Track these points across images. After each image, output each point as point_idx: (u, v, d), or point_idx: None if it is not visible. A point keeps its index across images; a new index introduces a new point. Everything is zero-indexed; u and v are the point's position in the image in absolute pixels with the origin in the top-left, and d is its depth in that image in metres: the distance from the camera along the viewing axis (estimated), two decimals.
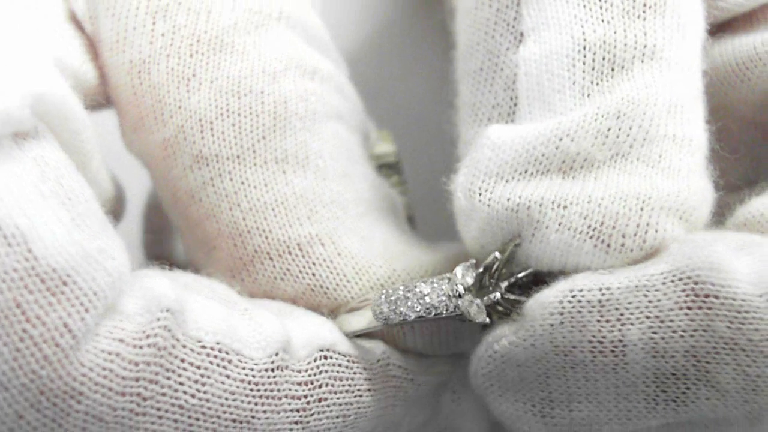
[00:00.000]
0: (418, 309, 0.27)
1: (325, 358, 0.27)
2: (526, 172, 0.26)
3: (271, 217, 0.29)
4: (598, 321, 0.25)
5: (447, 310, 0.27)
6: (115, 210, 0.31)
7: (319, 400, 0.26)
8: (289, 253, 0.29)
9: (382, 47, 0.44)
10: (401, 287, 0.28)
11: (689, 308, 0.24)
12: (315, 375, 0.27)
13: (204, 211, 0.29)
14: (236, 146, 0.29)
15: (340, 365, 0.27)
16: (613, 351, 0.25)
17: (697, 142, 0.27)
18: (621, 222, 0.26)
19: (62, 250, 0.22)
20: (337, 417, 0.27)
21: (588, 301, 0.25)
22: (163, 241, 0.37)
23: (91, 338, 0.23)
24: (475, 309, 0.27)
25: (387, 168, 0.39)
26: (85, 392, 0.22)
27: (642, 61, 0.27)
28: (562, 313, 0.25)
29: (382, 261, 0.29)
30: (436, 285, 0.27)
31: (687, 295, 0.24)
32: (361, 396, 0.27)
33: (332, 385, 0.27)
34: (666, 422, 0.26)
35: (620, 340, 0.25)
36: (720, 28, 0.31)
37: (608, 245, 0.26)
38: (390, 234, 0.30)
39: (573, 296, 0.25)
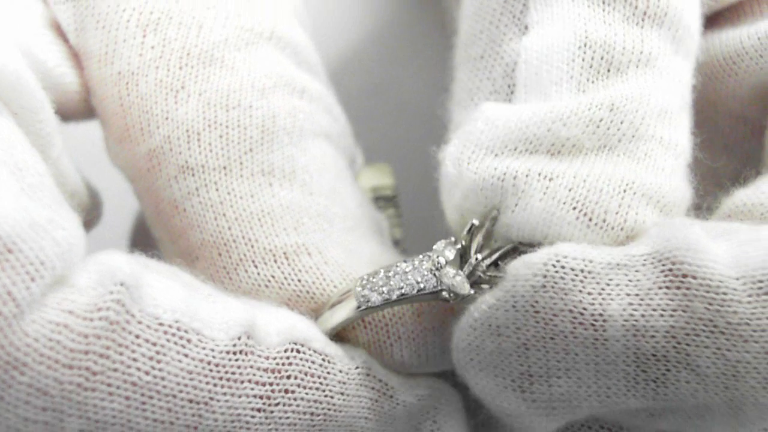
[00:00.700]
0: (401, 287, 0.27)
1: (298, 351, 0.26)
2: (515, 149, 0.27)
3: (257, 227, 0.28)
4: (580, 291, 0.25)
5: (429, 284, 0.27)
6: (88, 216, 0.31)
7: (285, 391, 0.26)
8: (275, 261, 0.28)
9: (380, 48, 0.44)
10: (381, 270, 0.27)
11: (668, 288, 0.24)
12: (284, 365, 0.26)
13: (188, 221, 0.29)
14: (223, 157, 0.29)
15: (312, 362, 0.26)
16: (593, 324, 0.25)
17: (681, 147, 0.28)
18: (604, 199, 0.26)
19: (8, 217, 0.22)
20: (304, 413, 0.26)
21: (572, 269, 0.25)
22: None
23: (37, 308, 0.22)
24: (459, 280, 0.26)
25: (383, 201, 0.39)
26: (29, 363, 0.22)
27: (637, 67, 0.27)
28: (545, 276, 0.25)
29: (369, 269, 0.29)
30: (416, 263, 0.27)
31: (666, 276, 0.24)
32: (332, 398, 0.27)
33: (301, 379, 0.26)
34: (647, 405, 0.26)
35: (600, 314, 0.24)
36: (707, 22, 0.31)
37: (590, 219, 0.26)
38: (377, 251, 0.30)
39: (557, 261, 0.25)
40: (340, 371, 0.27)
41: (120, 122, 0.29)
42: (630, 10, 0.28)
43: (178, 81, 0.29)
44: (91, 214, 0.31)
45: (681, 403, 0.25)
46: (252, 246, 0.28)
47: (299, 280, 0.28)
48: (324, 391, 0.26)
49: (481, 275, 0.27)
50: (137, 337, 0.23)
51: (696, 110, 0.30)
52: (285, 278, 0.28)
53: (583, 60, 0.27)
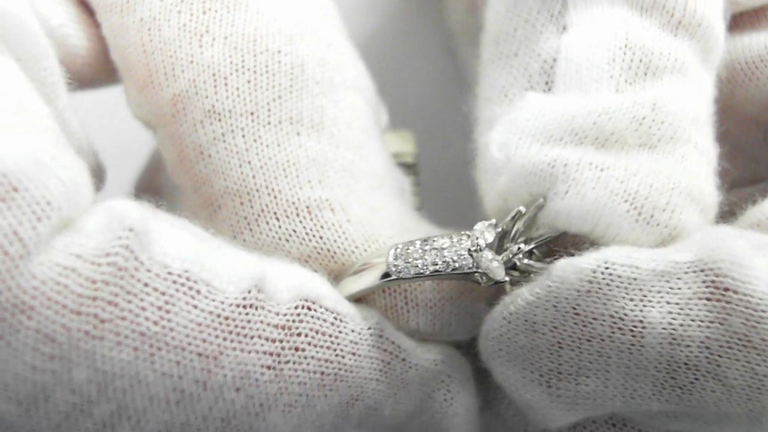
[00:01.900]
0: (435, 263, 0.26)
1: (309, 309, 0.26)
2: (561, 139, 0.27)
3: (282, 177, 0.28)
4: (623, 297, 0.25)
5: (466, 265, 0.26)
6: (93, 179, 0.30)
7: (296, 349, 0.25)
8: (297, 214, 0.28)
9: (380, 47, 0.44)
10: (418, 241, 0.27)
11: (708, 299, 0.25)
12: (294, 322, 0.25)
13: (212, 167, 0.28)
14: (251, 103, 0.28)
15: (324, 320, 0.26)
16: (632, 330, 0.25)
17: (711, 156, 0.28)
18: (653, 195, 0.26)
19: (12, 155, 0.21)
20: (314, 372, 0.25)
21: (618, 276, 0.25)
22: None
23: (44, 250, 0.21)
24: (495, 265, 0.26)
25: (404, 168, 0.38)
26: (36, 307, 0.21)
27: (671, 73, 0.28)
28: (591, 282, 0.25)
29: (392, 232, 0.28)
30: (455, 240, 0.26)
31: (707, 287, 0.25)
32: (343, 357, 0.26)
33: (312, 337, 0.25)
34: (668, 409, 0.26)
35: (640, 321, 0.25)
36: (729, 24, 0.31)
37: (639, 213, 0.26)
38: (401, 210, 0.30)
39: (606, 267, 0.25)
40: (352, 331, 0.26)
41: (143, 69, 0.29)
42: (666, 18, 0.28)
43: (202, 25, 0.28)
44: (95, 177, 0.30)
45: (702, 410, 0.26)
46: (275, 197, 0.28)
47: (321, 237, 0.27)
48: (335, 350, 0.26)
49: (518, 263, 0.26)
50: (146, 285, 0.23)
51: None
52: (306, 233, 0.28)
53: (623, 61, 0.27)
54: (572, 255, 0.26)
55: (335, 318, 0.26)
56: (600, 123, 0.27)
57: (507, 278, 0.26)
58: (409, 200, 0.32)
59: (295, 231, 0.27)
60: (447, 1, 0.42)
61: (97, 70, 0.30)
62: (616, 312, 0.25)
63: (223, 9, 0.28)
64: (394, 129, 0.39)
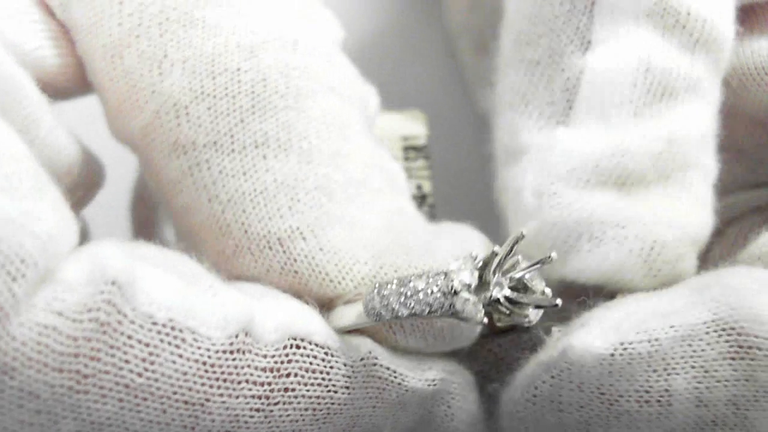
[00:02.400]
0: (411, 306, 0.25)
1: (297, 347, 0.25)
2: (588, 181, 0.27)
3: (250, 210, 0.27)
4: (646, 371, 0.25)
5: (442, 308, 0.25)
6: (89, 188, 0.30)
7: (285, 390, 0.25)
8: (270, 248, 0.27)
9: (381, 46, 0.42)
10: (395, 281, 0.26)
11: (733, 359, 0.25)
12: (283, 363, 0.25)
13: (186, 201, 0.27)
14: (213, 132, 0.27)
15: (314, 357, 0.25)
16: (659, 401, 0.25)
17: (713, 172, 0.29)
18: (665, 250, 0.27)
19: None
20: (306, 409, 0.25)
21: (638, 353, 0.25)
22: (151, 233, 0.35)
23: (25, 309, 0.21)
24: (472, 308, 0.25)
25: (414, 151, 0.37)
26: (17, 368, 0.21)
27: (686, 91, 0.28)
28: (612, 364, 0.25)
29: (368, 255, 0.27)
30: (431, 280, 0.25)
31: (731, 346, 0.25)
32: (336, 392, 0.26)
33: (302, 376, 0.25)
34: None
35: (666, 390, 0.25)
36: (739, 24, 0.31)
37: (650, 268, 0.27)
38: (384, 217, 0.28)
39: (624, 349, 0.25)
40: (344, 365, 0.26)
41: (113, 97, 0.28)
42: (686, 38, 0.28)
43: (160, 50, 0.27)
44: (91, 183, 0.30)
45: None
46: (246, 231, 0.27)
47: (296, 272, 0.27)
48: (327, 386, 0.25)
49: (501, 299, 0.25)
50: (129, 337, 0.22)
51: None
52: (282, 268, 0.27)
53: (644, 85, 0.28)
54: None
55: (326, 353, 0.26)
56: (623, 164, 0.28)
57: (485, 320, 0.25)
58: (404, 187, 0.30)
59: (271, 266, 0.27)
60: (447, 1, 0.41)
61: (81, 85, 0.29)
62: (641, 386, 0.25)
63: (179, 29, 0.27)
64: (404, 109, 0.38)
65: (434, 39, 0.38)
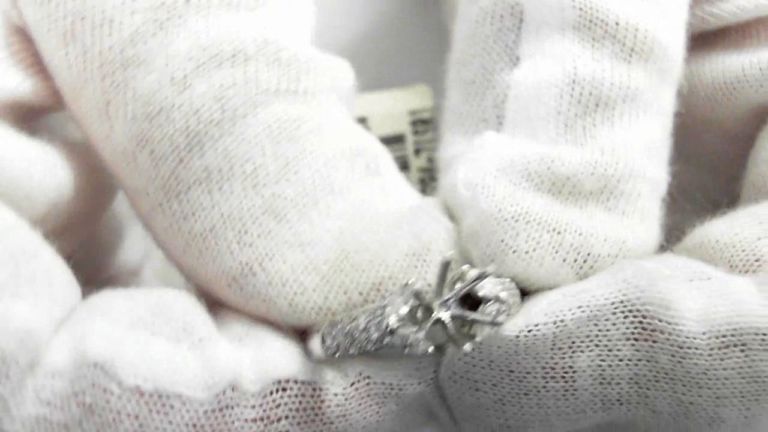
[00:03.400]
0: (358, 345, 0.25)
1: (283, 389, 0.25)
2: (519, 183, 0.27)
3: (204, 250, 0.27)
4: (551, 349, 0.25)
5: (384, 346, 0.25)
6: (98, 200, 0.31)
7: None
8: (229, 286, 0.27)
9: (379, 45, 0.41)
10: (345, 318, 0.26)
11: (636, 340, 0.25)
12: (272, 409, 0.25)
13: (157, 239, 0.28)
14: (158, 177, 0.27)
15: (302, 395, 0.25)
16: (563, 377, 0.25)
17: (662, 185, 0.28)
18: (599, 263, 0.27)
19: None
20: None
21: (543, 334, 0.25)
22: None
23: (14, 405, 0.23)
24: (414, 341, 0.25)
25: (422, 124, 0.38)
26: None
27: (624, 102, 0.28)
28: (517, 345, 0.25)
29: (316, 280, 0.27)
30: (370, 319, 0.25)
31: (635, 328, 0.25)
32: (332, 423, 0.26)
33: (293, 417, 0.25)
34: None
35: (570, 367, 0.25)
36: (711, 42, 0.31)
37: (581, 277, 0.27)
38: (339, 225, 0.27)
39: (529, 331, 0.25)
40: (335, 395, 0.26)
41: (84, 133, 0.28)
42: (618, 47, 0.28)
43: (103, 97, 0.27)
44: (101, 198, 0.31)
45: (634, 429, 0.27)
46: (206, 272, 0.27)
47: (255, 306, 0.27)
48: (322, 420, 0.26)
49: (446, 320, 0.25)
50: (119, 413, 0.24)
51: (683, 129, 0.30)
52: (243, 305, 0.27)
53: (571, 96, 0.28)
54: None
55: (313, 389, 0.26)
56: (555, 169, 0.27)
57: (430, 349, 0.25)
58: (377, 166, 0.29)
59: (236, 301, 0.27)
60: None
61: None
62: (547, 363, 0.25)
63: (117, 70, 0.26)
64: (410, 84, 0.38)
65: (436, 12, 0.37)
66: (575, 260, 0.27)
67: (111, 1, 0.26)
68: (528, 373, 0.25)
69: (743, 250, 0.27)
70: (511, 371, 0.26)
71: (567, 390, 0.25)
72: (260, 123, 0.27)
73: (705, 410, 0.25)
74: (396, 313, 0.24)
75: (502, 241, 0.27)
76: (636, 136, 0.28)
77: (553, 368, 0.25)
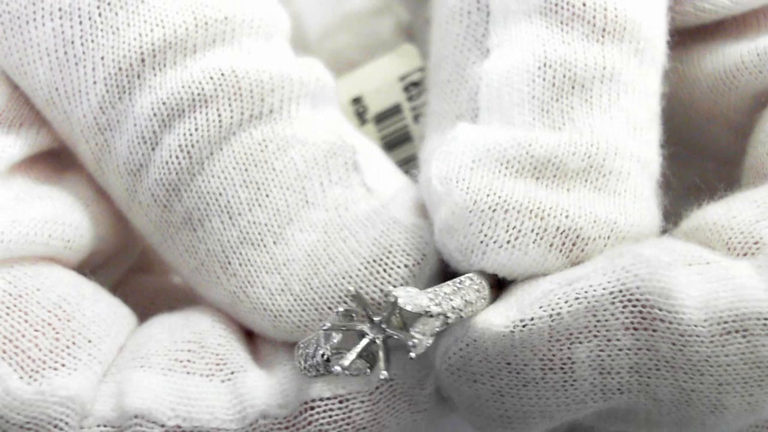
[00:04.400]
0: (315, 369, 0.26)
1: (312, 408, 0.27)
2: (498, 171, 0.27)
3: (201, 282, 0.29)
4: (548, 341, 0.25)
5: (332, 371, 0.25)
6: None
7: None
8: (227, 311, 0.29)
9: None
10: (302, 345, 0.27)
11: (635, 329, 0.25)
12: (303, 427, 0.27)
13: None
14: (151, 222, 0.29)
15: (330, 409, 0.27)
16: (562, 368, 0.25)
17: (653, 166, 0.28)
18: (590, 246, 0.26)
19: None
20: None
21: (539, 328, 0.25)
22: None
23: None
24: (353, 369, 0.25)
25: (415, 87, 0.37)
26: None
27: (601, 82, 0.27)
28: (512, 340, 0.25)
29: (291, 301, 0.28)
30: (315, 347, 0.26)
31: (635, 317, 0.25)
32: (364, 429, 0.27)
33: (325, 431, 0.27)
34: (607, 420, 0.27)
35: (569, 358, 0.25)
36: (711, 33, 0.32)
37: (572, 263, 0.27)
38: (311, 242, 0.28)
39: (524, 326, 0.25)
40: (362, 402, 0.27)
41: None
42: (589, 29, 0.28)
43: (93, 155, 0.29)
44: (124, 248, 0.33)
45: (634, 417, 0.27)
46: (210, 298, 0.29)
47: (253, 328, 0.29)
48: (354, 428, 0.27)
49: (380, 340, 0.25)
50: None
51: (687, 122, 0.31)
52: (247, 326, 0.29)
53: (544, 80, 0.27)
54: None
55: (340, 401, 0.27)
56: (531, 152, 0.27)
57: (368, 371, 0.26)
58: (357, 160, 0.30)
59: (241, 321, 0.29)
60: None
61: None
62: (544, 355, 0.25)
63: (97, 134, 0.28)
64: (395, 48, 0.37)
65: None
66: (563, 244, 0.26)
67: (77, 72, 0.28)
68: (526, 365, 0.25)
69: (741, 233, 0.27)
70: (509, 363, 0.25)
71: (566, 381, 0.25)
72: (226, 157, 0.28)
73: (707, 397, 0.25)
74: (324, 348, 0.25)
75: (481, 232, 0.26)
76: (617, 115, 0.27)
77: (551, 360, 0.25)
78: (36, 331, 0.27)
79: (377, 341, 0.24)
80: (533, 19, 0.28)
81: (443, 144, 0.28)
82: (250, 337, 0.29)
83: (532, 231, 0.26)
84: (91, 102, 0.28)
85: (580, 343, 0.25)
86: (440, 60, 0.30)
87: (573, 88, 0.27)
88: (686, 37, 0.32)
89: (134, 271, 0.34)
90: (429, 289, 0.25)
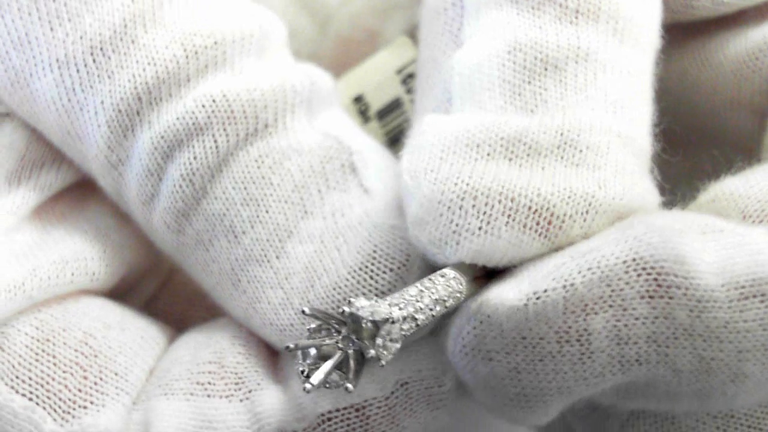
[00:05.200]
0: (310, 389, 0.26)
1: (328, 419, 0.27)
2: (468, 156, 0.26)
3: (219, 297, 0.30)
4: (563, 314, 0.25)
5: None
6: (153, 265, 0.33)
7: None
8: (246, 325, 0.30)
9: None
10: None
11: (651, 297, 0.25)
12: None
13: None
14: (169, 246, 0.30)
15: (348, 418, 0.28)
16: (578, 340, 0.25)
17: (640, 143, 0.28)
18: (567, 223, 0.26)
19: None
20: None
21: (553, 300, 0.25)
22: None
23: None
24: (331, 381, 0.24)
25: (411, 79, 0.36)
26: None
27: (576, 62, 0.27)
28: (526, 313, 0.25)
29: (292, 316, 0.29)
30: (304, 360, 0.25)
31: (650, 285, 0.25)
32: (384, 431, 0.28)
33: None
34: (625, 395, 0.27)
35: (585, 329, 0.25)
36: (734, 19, 0.32)
37: (552, 242, 0.26)
38: (318, 234, 0.29)
39: (537, 298, 0.25)
40: (378, 407, 0.28)
41: None
42: (561, 11, 0.28)
43: (111, 188, 0.30)
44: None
45: (654, 391, 0.26)
46: (231, 314, 0.30)
47: (267, 342, 0.30)
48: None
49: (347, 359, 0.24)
50: None
51: (711, 112, 0.32)
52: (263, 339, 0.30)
53: (514, 63, 0.27)
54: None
55: (356, 410, 0.28)
56: (502, 133, 0.26)
57: (351, 387, 0.25)
58: (355, 162, 0.30)
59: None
60: None
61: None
62: (560, 328, 0.25)
63: (112, 171, 0.29)
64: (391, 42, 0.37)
65: None
66: (537, 224, 0.26)
67: (82, 117, 0.29)
68: (541, 338, 0.25)
69: (758, 201, 0.27)
70: (524, 338, 0.25)
71: (583, 354, 0.25)
72: (226, 178, 0.29)
73: (727, 365, 0.25)
74: (304, 362, 0.25)
75: (452, 222, 0.26)
76: (594, 94, 0.27)
77: (567, 332, 0.25)
78: (64, 372, 0.28)
79: (349, 353, 0.24)
80: (503, 7, 0.28)
81: (412, 137, 0.28)
82: (270, 349, 0.30)
83: (503, 214, 0.26)
84: (99, 143, 0.29)
85: (596, 314, 0.25)
86: (423, 59, 0.30)
87: (546, 69, 0.27)
88: (710, 24, 0.32)
89: (175, 272, 0.35)
90: (394, 295, 0.24)
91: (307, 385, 0.23)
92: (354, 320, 0.23)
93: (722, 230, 0.25)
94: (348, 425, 0.27)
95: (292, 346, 0.24)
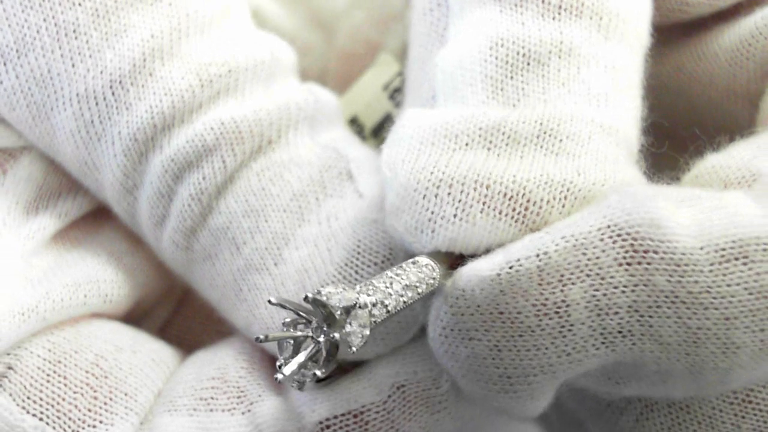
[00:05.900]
0: (297, 386, 0.26)
1: (327, 427, 0.28)
2: (446, 147, 0.27)
3: (224, 310, 0.31)
4: (539, 285, 0.24)
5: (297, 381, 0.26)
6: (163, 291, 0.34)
7: None
8: (246, 333, 0.31)
9: None
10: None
11: (629, 264, 0.24)
12: None
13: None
14: (177, 263, 0.31)
15: (346, 424, 0.28)
16: (557, 312, 0.24)
17: (624, 134, 0.27)
18: (545, 209, 0.26)
19: None
20: None
21: (527, 269, 0.24)
22: None
23: None
24: (305, 372, 0.25)
25: (398, 92, 0.37)
26: None
27: (559, 57, 0.28)
28: (501, 283, 0.25)
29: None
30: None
31: (626, 252, 0.24)
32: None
33: None
34: (613, 377, 0.26)
35: (563, 300, 0.24)
36: (730, 11, 0.32)
37: (530, 228, 0.26)
38: (312, 239, 0.29)
39: (510, 267, 0.25)
40: (376, 413, 0.28)
41: None
42: (543, 7, 0.28)
43: (124, 213, 0.31)
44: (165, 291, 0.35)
45: (644, 371, 0.25)
46: (236, 327, 0.31)
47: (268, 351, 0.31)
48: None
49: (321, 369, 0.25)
50: None
51: (705, 101, 0.32)
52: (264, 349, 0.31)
53: (496, 58, 0.28)
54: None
55: (354, 416, 0.28)
56: (480, 123, 0.26)
57: (330, 377, 0.26)
58: (352, 169, 0.31)
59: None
60: None
61: None
62: (537, 300, 0.24)
63: (127, 196, 0.31)
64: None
65: None
66: (513, 210, 0.25)
67: (100, 148, 0.30)
68: (519, 312, 0.25)
69: (738, 169, 0.26)
70: (501, 313, 0.25)
71: (563, 326, 0.24)
72: (230, 194, 0.30)
73: (715, 335, 0.24)
74: (281, 356, 0.25)
75: (427, 210, 0.26)
76: (576, 88, 0.27)
77: (544, 305, 0.24)
78: (75, 393, 0.28)
79: (320, 341, 0.24)
80: (487, 5, 0.28)
81: (393, 131, 0.28)
82: (274, 361, 0.30)
83: (478, 201, 0.26)
84: (115, 171, 0.30)
85: (573, 284, 0.24)
86: (411, 60, 0.30)
87: (528, 64, 0.27)
88: (705, 18, 0.32)
89: (188, 298, 0.36)
90: (363, 282, 0.25)
91: (279, 376, 0.24)
92: (321, 306, 0.24)
93: (699, 197, 0.25)
94: (345, 431, 0.27)
95: (262, 337, 0.24)
